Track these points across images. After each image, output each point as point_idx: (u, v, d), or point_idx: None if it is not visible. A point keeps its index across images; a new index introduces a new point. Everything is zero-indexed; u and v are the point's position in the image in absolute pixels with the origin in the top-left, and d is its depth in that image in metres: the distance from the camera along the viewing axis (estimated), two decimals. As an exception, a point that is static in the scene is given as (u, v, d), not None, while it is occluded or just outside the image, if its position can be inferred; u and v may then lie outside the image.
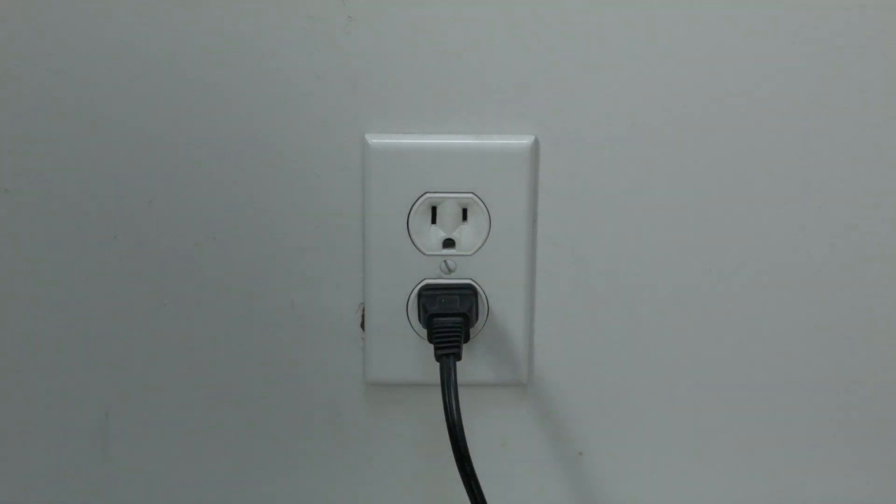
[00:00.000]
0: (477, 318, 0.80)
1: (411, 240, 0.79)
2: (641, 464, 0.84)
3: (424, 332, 0.79)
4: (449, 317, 0.78)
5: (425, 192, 0.78)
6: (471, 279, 0.80)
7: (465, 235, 0.79)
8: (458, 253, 0.79)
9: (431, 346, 0.77)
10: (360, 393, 0.83)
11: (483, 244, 0.79)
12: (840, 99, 0.77)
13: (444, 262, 0.79)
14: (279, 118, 0.77)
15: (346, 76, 0.77)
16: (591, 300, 0.81)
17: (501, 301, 0.80)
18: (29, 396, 0.82)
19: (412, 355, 0.81)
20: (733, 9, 0.76)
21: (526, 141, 0.78)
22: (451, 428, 0.74)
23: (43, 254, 0.79)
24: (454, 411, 0.75)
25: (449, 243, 0.79)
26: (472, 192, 0.78)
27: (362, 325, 0.81)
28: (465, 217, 0.79)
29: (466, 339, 0.78)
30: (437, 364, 0.76)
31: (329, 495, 0.85)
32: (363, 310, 0.81)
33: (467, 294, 0.79)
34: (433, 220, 0.79)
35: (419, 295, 0.79)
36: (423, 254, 0.79)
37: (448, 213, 0.79)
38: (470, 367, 0.81)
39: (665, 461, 0.84)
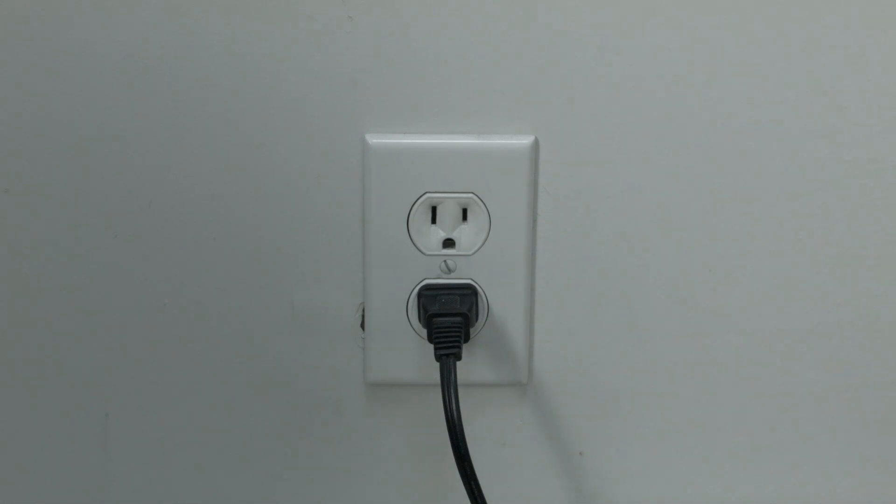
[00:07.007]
0: (477, 318, 0.80)
1: (411, 240, 0.79)
2: (641, 464, 0.84)
3: (424, 332, 0.79)
4: (449, 317, 0.78)
5: (425, 192, 0.78)
6: (471, 279, 0.80)
7: (465, 235, 0.79)
8: (458, 253, 0.79)
9: (431, 346, 0.77)
10: (360, 393, 0.83)
11: (483, 244, 0.79)
12: (840, 98, 0.77)
13: (444, 262, 0.79)
14: (279, 118, 0.77)
15: (346, 76, 0.77)
16: (591, 300, 0.81)
17: (501, 301, 0.80)
18: (29, 397, 0.82)
19: (412, 355, 0.81)
20: (733, 8, 0.76)
21: (526, 141, 0.78)
22: (451, 428, 0.74)
23: (43, 254, 0.79)
24: (454, 411, 0.75)
25: (449, 243, 0.79)
26: (472, 192, 0.78)
27: (362, 325, 0.81)
28: (465, 217, 0.79)
29: (466, 339, 0.78)
30: (437, 364, 0.76)
31: (329, 495, 0.85)
32: (363, 310, 0.81)
33: (467, 294, 0.79)
34: (433, 220, 0.79)
35: (419, 295, 0.79)
36: (423, 254, 0.79)
37: (448, 213, 0.78)
38: (470, 367, 0.81)
39: (665, 461, 0.84)
